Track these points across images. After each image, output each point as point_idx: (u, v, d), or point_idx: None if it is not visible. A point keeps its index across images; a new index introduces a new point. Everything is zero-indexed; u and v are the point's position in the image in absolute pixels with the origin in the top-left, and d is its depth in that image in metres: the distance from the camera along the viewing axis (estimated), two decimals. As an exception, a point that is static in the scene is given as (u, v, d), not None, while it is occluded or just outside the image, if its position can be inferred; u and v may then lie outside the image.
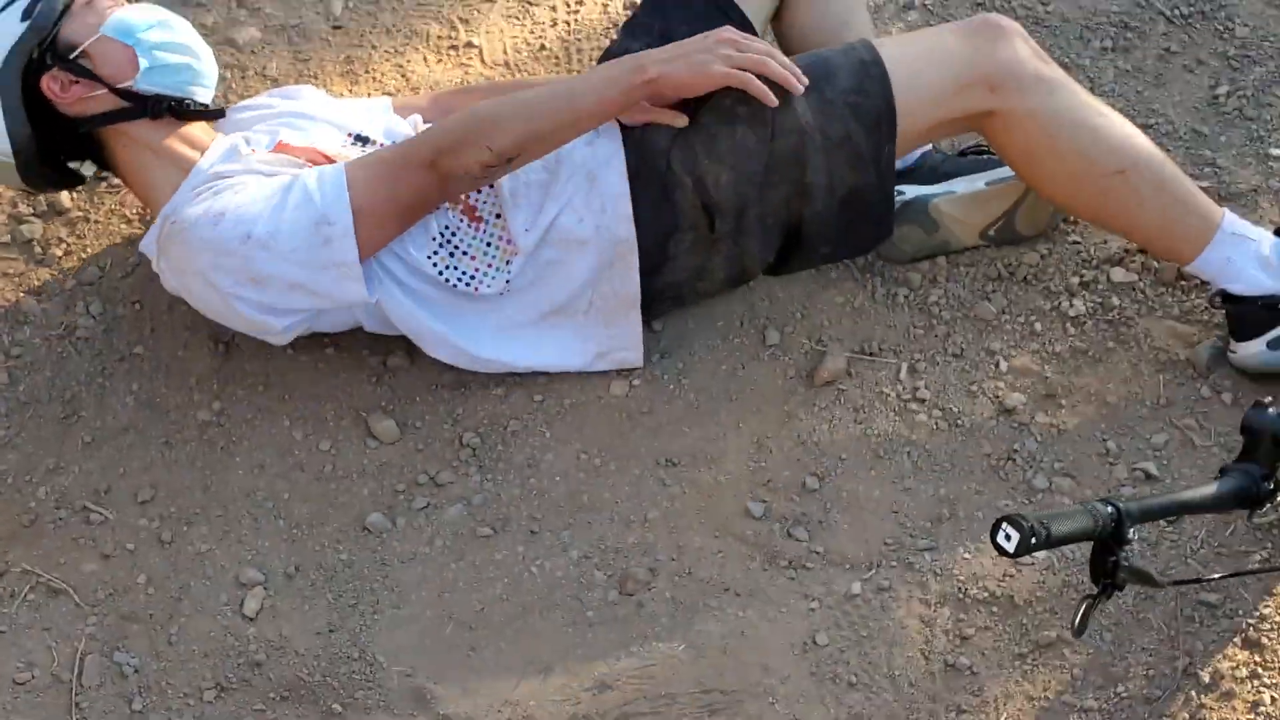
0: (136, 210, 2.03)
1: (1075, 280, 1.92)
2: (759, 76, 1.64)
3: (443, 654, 1.60)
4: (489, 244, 1.77)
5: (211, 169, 1.73)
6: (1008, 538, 1.19)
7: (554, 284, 1.77)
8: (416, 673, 1.59)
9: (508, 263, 1.75)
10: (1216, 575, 1.53)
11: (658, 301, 1.79)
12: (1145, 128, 2.01)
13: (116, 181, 1.99)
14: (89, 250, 2.01)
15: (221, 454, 1.79)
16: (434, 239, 1.75)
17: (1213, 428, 1.75)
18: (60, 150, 1.81)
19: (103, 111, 1.75)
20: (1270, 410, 1.42)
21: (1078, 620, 1.29)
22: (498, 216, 1.77)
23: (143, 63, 1.74)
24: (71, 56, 1.73)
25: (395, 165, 1.69)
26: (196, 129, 1.79)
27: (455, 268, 1.76)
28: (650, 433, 1.78)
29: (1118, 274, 1.92)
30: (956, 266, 1.94)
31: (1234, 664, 1.53)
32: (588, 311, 1.77)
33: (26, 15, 1.71)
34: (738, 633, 1.60)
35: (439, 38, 2.24)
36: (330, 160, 1.77)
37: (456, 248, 1.76)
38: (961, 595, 1.62)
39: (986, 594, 1.62)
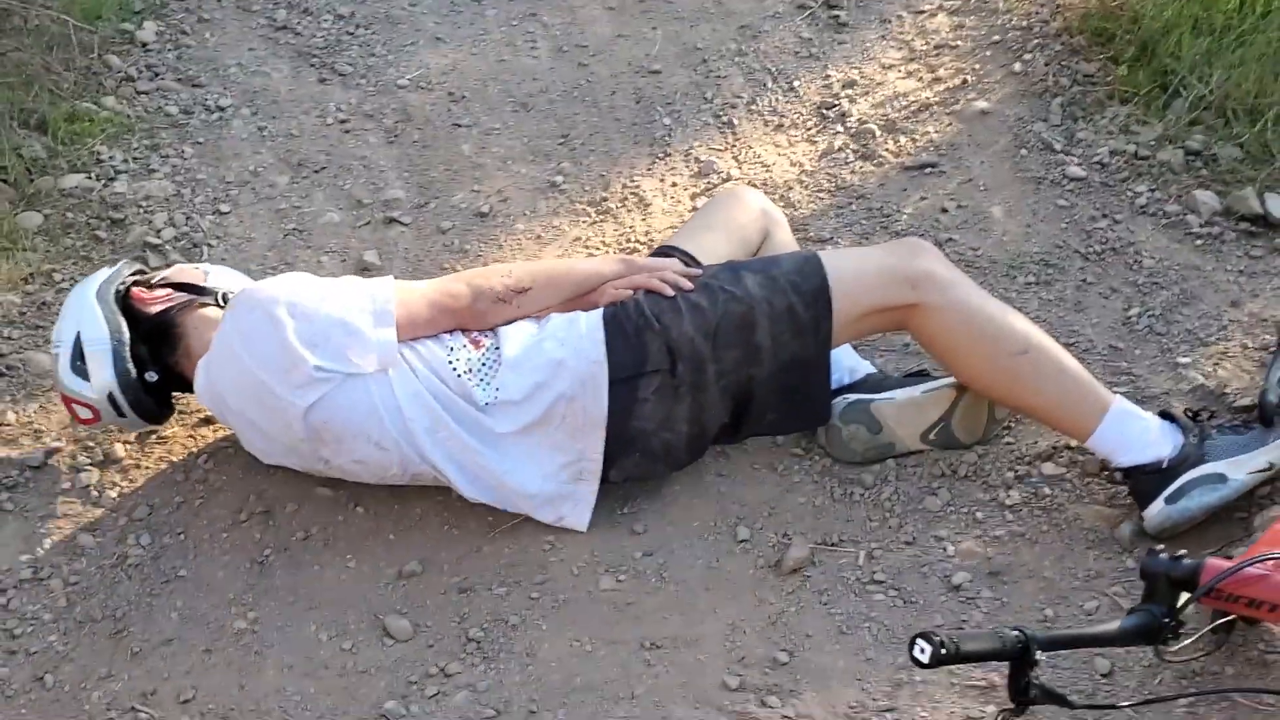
0: (181, 457, 2.31)
1: (1010, 475, 2.17)
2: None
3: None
4: (484, 363, 2.04)
5: None
6: (922, 650, 1.40)
7: (534, 401, 2.03)
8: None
9: (497, 365, 2.03)
10: (1127, 703, 1.71)
11: (626, 452, 2.03)
12: (1068, 346, 2.29)
13: (165, 433, 2.29)
14: (140, 491, 2.28)
15: (255, 657, 2.00)
16: (448, 348, 2.05)
17: (1138, 593, 1.95)
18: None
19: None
20: (1161, 555, 1.64)
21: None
22: (496, 347, 2.07)
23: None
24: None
25: (441, 297, 2.08)
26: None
27: (461, 371, 2.03)
28: (635, 620, 1.99)
29: (1048, 468, 2.18)
30: (905, 467, 2.19)
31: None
32: (559, 425, 2.02)
33: None
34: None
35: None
36: None
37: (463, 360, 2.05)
38: (920, 750, 1.79)
39: (943, 748, 1.79)
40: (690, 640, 1.96)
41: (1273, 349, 2.19)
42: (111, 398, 2.09)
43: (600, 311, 2.07)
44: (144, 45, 3.43)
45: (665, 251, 2.25)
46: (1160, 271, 2.57)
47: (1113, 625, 1.61)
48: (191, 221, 2.88)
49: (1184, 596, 1.61)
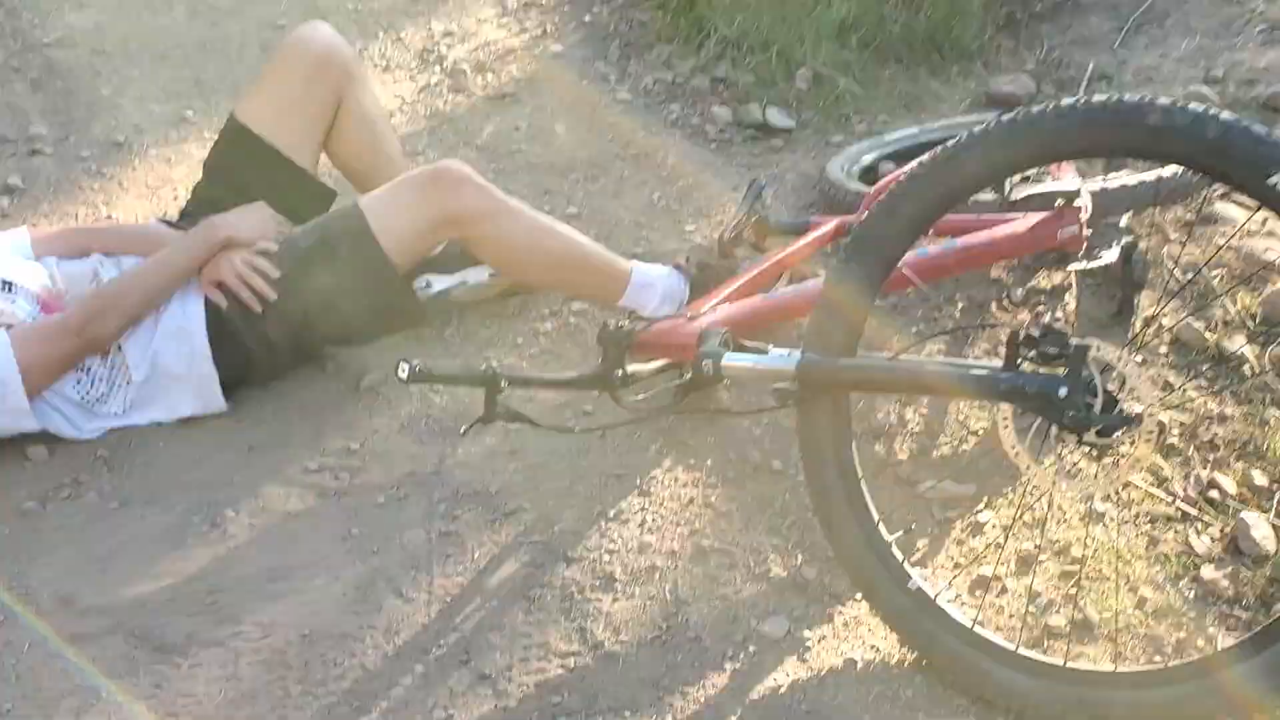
0: None
1: (547, 311, 2.74)
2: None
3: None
4: (113, 370, 2.46)
5: None
6: (402, 370, 1.94)
7: (160, 406, 2.49)
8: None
9: (127, 384, 2.45)
10: (577, 429, 2.29)
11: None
12: (605, 223, 2.90)
13: None
14: None
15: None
16: (76, 369, 2.42)
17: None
18: None
19: None
20: (611, 327, 2.23)
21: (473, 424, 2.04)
22: (119, 349, 2.46)
23: None
24: None
25: (53, 333, 2.39)
26: None
27: (90, 390, 2.44)
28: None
29: (576, 305, 2.75)
30: (467, 314, 2.73)
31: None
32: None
33: None
34: None
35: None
36: None
37: (92, 374, 2.44)
38: None
39: None
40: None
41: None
42: None
43: (203, 324, 2.46)
44: None
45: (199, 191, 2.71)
46: (680, 167, 3.22)
47: (571, 374, 2.20)
48: None
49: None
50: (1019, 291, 2.71)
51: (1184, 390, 2.39)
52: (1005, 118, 1.83)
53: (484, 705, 1.95)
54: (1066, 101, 1.79)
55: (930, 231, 1.99)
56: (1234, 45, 3.47)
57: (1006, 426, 1.88)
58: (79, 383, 2.42)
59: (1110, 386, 1.80)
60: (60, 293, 2.49)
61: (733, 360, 2.06)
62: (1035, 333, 1.83)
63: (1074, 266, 2.46)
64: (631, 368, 2.26)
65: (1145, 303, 2.63)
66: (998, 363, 1.88)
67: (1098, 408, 1.79)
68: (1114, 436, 1.81)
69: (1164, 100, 1.74)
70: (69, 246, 2.63)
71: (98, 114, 3.43)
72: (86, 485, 2.38)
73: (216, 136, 2.79)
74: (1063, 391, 1.79)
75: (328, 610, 2.10)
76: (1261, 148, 1.69)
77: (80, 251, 2.60)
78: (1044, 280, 2.73)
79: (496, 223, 2.48)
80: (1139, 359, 2.28)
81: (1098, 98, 1.78)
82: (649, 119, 3.39)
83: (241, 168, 2.72)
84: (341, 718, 1.94)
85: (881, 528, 1.99)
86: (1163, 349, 2.54)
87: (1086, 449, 1.85)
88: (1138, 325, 2.58)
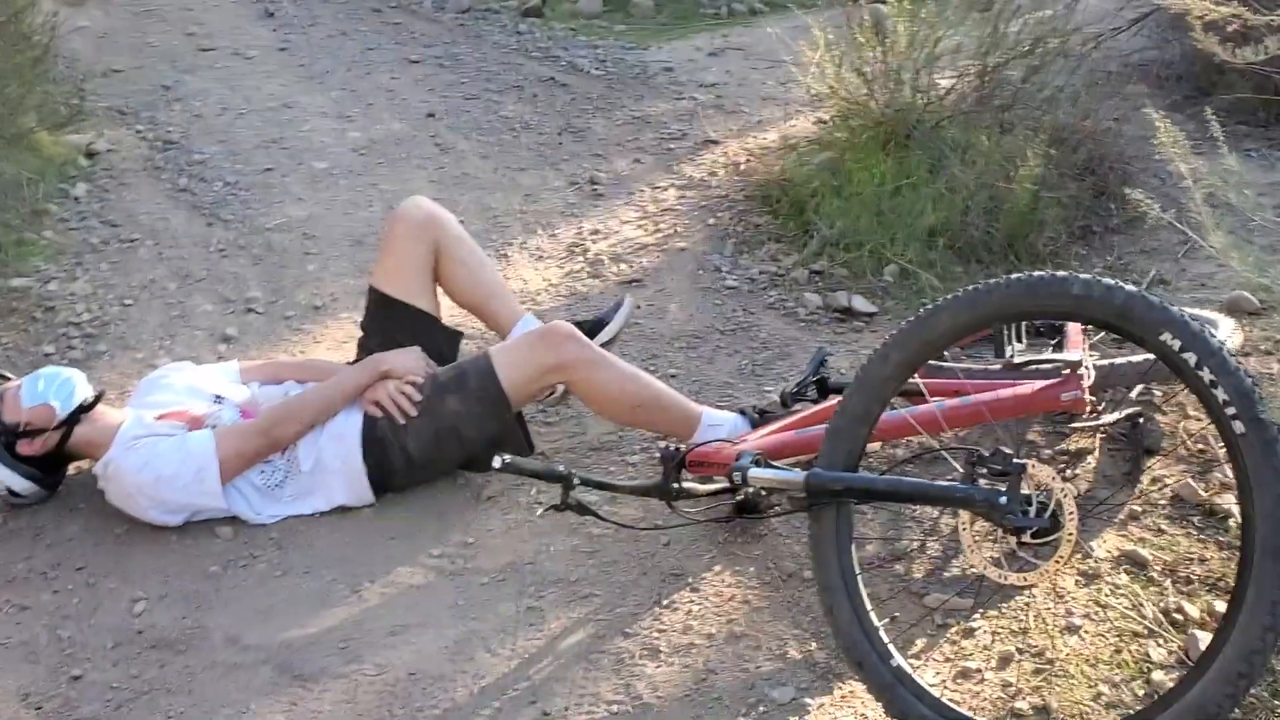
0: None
1: (638, 448, 3.31)
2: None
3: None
4: (289, 463, 3.14)
5: (131, 434, 3.08)
6: (498, 461, 2.52)
7: (321, 496, 3.13)
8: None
9: (298, 474, 3.12)
10: (638, 526, 2.82)
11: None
12: (700, 383, 3.48)
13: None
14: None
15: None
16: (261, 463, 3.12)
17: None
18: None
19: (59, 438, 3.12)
20: (668, 447, 2.78)
21: (548, 508, 2.60)
22: (294, 446, 3.14)
23: (56, 405, 3.10)
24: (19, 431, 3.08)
25: (248, 433, 3.09)
26: (106, 413, 3.15)
27: (270, 478, 3.12)
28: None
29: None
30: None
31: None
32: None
33: None
34: None
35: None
36: (199, 418, 3.15)
37: (273, 465, 3.13)
38: None
39: None
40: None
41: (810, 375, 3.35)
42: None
43: (359, 434, 3.10)
44: (76, 199, 4.62)
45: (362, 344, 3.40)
46: (769, 341, 3.79)
47: (635, 482, 2.75)
48: (104, 310, 4.02)
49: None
50: (1046, 452, 3.16)
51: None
52: (968, 288, 2.35)
53: (542, 734, 2.45)
54: (1011, 276, 2.31)
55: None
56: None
57: (965, 529, 2.34)
58: (262, 472, 3.08)
59: (1043, 499, 2.25)
60: (257, 405, 3.19)
61: (757, 472, 2.58)
62: (986, 453, 2.31)
63: (1075, 425, 2.91)
64: (689, 484, 2.79)
65: (1156, 465, 3.04)
66: (956, 479, 2.35)
67: (1032, 513, 2.24)
68: (1048, 537, 2.24)
69: (1084, 275, 2.25)
70: (267, 376, 3.35)
71: (303, 284, 4.21)
72: (260, 558, 3.01)
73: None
74: (1002, 500, 2.26)
75: (432, 658, 2.65)
76: (1153, 313, 2.18)
77: (276, 380, 3.32)
78: (1071, 443, 3.17)
79: (592, 370, 3.09)
80: (1065, 477, 2.67)
81: (1035, 273, 2.30)
82: (749, 302, 3.99)
83: (385, 322, 3.40)
84: (431, 735, 2.46)
85: (872, 614, 2.44)
86: (1163, 502, 2.94)
87: (1027, 549, 2.29)
88: (1145, 482, 2.99)
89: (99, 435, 3.09)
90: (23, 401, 3.07)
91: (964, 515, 2.35)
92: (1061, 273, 2.28)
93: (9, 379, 3.17)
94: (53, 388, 3.09)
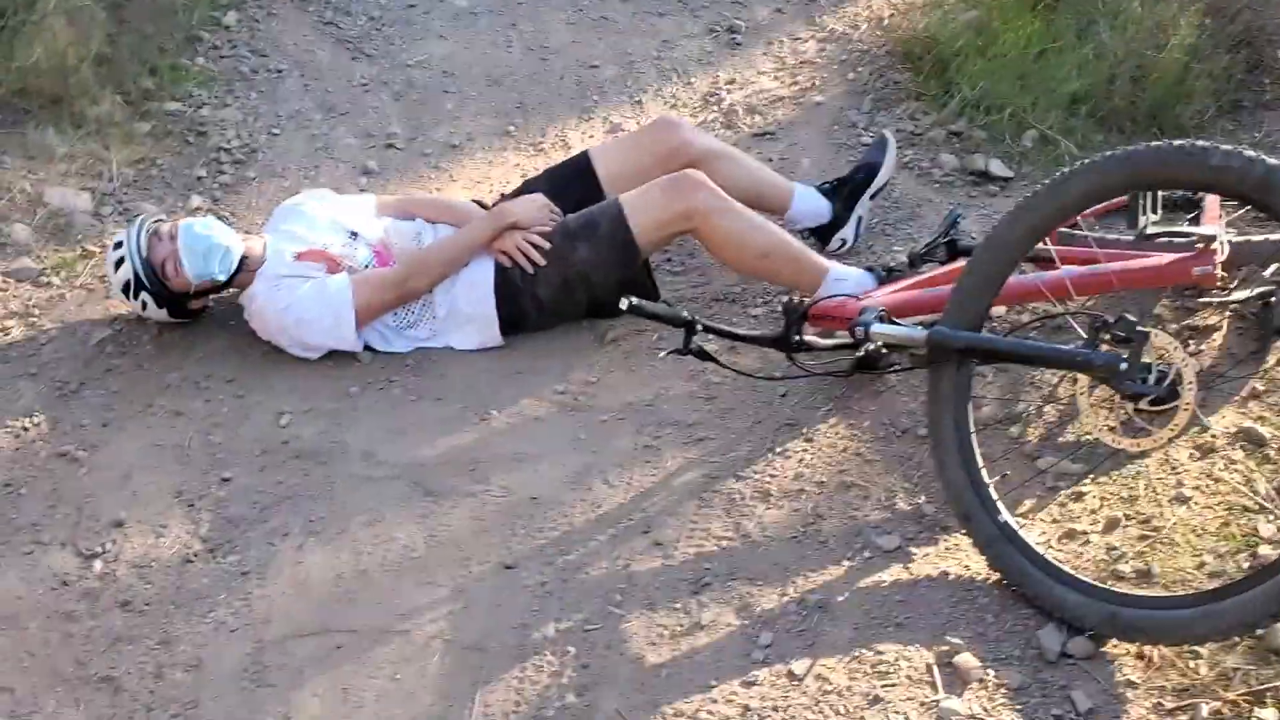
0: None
1: (759, 299, 3.36)
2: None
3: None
4: (424, 307, 3.26)
5: (275, 272, 3.21)
6: (624, 302, 2.60)
7: (455, 337, 3.26)
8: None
9: (432, 319, 3.24)
10: (751, 374, 2.89)
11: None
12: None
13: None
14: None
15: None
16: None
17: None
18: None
19: None
20: (792, 300, 2.83)
21: (670, 351, 2.70)
22: (430, 292, 3.26)
23: (222, 278, 3.25)
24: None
25: (383, 284, 3.20)
26: (249, 247, 3.28)
27: (404, 319, 3.25)
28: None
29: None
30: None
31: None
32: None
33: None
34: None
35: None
36: (335, 259, 3.26)
37: (408, 307, 3.25)
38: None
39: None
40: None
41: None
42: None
43: (491, 282, 3.20)
44: (226, 27, 4.74)
45: (531, 185, 3.44)
46: (903, 200, 3.77)
47: (757, 332, 2.82)
48: (253, 137, 4.16)
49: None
50: (1173, 326, 3.14)
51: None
52: (1107, 153, 2.34)
53: (653, 562, 2.58)
54: (1152, 143, 2.28)
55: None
56: None
57: (1083, 394, 2.36)
58: (396, 314, 3.23)
59: (1163, 368, 2.26)
60: (390, 243, 3.30)
61: (880, 328, 2.62)
62: (1110, 319, 2.32)
63: (1204, 300, 2.88)
64: (810, 337, 2.85)
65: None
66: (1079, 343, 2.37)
67: (1151, 380, 2.26)
68: (1165, 405, 2.26)
69: (1225, 145, 2.21)
70: (401, 211, 3.47)
71: (441, 122, 4.30)
72: (396, 382, 3.17)
73: (565, 157, 3.62)
74: (1123, 366, 2.28)
75: (553, 485, 2.79)
76: (1298, 185, 2.14)
77: (409, 216, 3.43)
78: (1199, 319, 3.14)
79: (721, 218, 3.13)
80: (1189, 350, 2.65)
81: (1177, 141, 2.27)
82: (884, 160, 3.96)
83: (570, 187, 3.44)
84: (548, 555, 2.61)
85: (983, 470, 2.49)
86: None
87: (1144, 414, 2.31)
88: (1271, 361, 2.96)
89: (244, 270, 3.26)
90: (189, 274, 3.20)
91: (1082, 381, 2.37)
92: (1202, 141, 2.25)
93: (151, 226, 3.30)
94: (215, 260, 3.20)
